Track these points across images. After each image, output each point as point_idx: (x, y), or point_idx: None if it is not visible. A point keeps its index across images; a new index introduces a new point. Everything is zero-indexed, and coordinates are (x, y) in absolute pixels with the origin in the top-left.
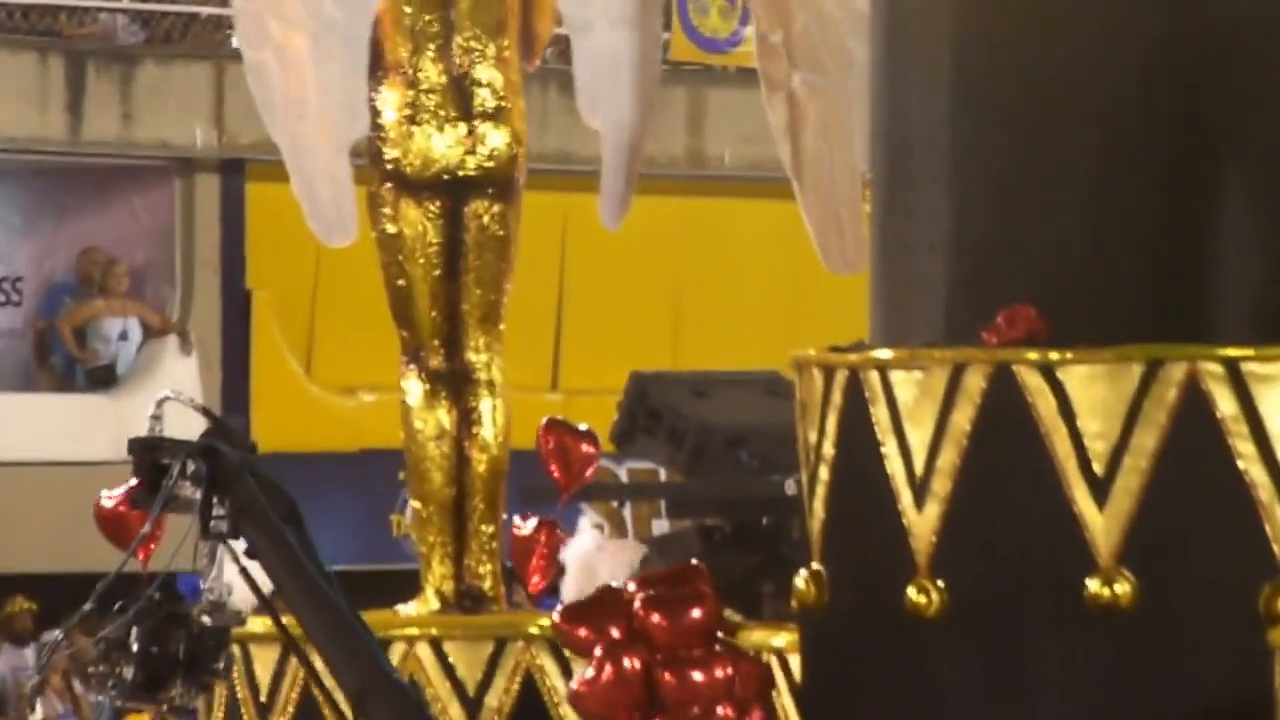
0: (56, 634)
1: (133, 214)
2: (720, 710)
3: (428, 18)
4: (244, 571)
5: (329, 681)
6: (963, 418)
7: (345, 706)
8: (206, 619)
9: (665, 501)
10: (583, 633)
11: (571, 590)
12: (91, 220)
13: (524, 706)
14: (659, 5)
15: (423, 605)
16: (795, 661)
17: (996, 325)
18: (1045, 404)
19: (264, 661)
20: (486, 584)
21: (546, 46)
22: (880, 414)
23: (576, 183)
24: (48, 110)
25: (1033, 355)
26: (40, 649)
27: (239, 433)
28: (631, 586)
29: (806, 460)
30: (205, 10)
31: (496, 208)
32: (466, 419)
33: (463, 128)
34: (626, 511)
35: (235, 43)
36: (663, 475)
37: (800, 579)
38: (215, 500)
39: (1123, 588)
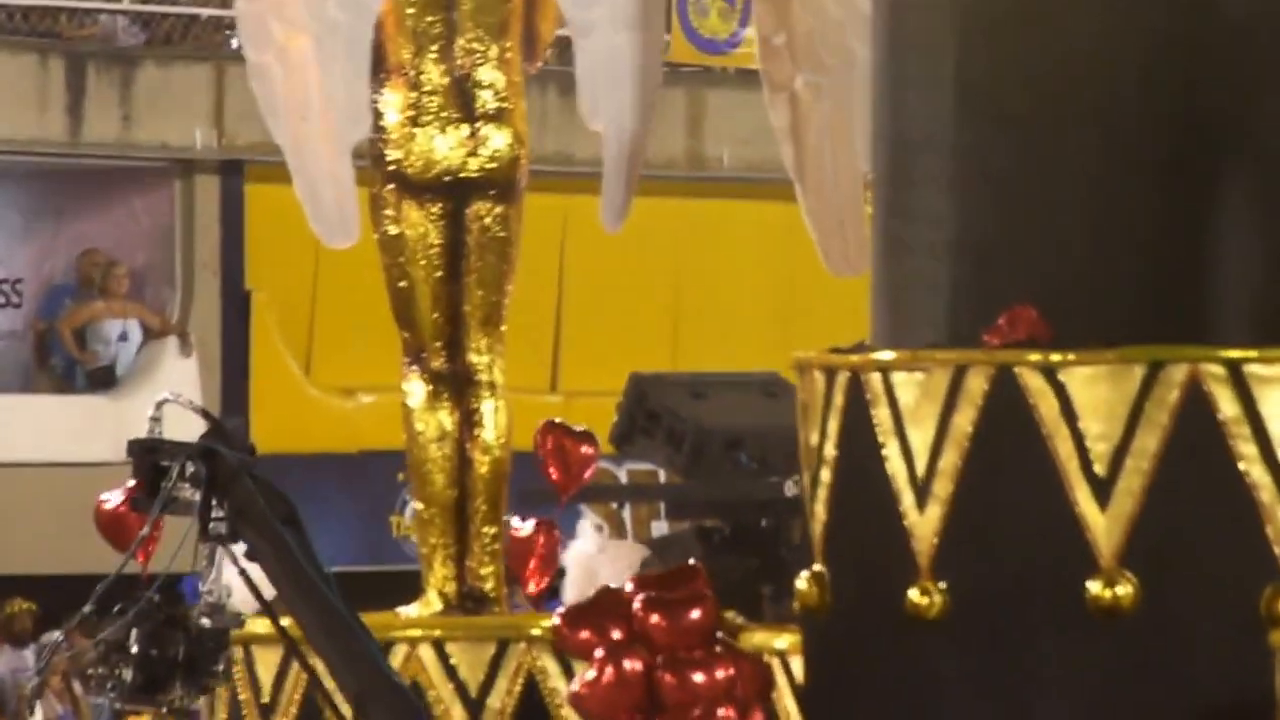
0: (56, 635)
1: (132, 215)
2: (722, 712)
3: (430, 19)
4: (243, 574)
5: (330, 684)
6: (964, 419)
7: (346, 709)
8: (205, 621)
9: (664, 503)
10: (584, 635)
11: (573, 593)
12: (91, 222)
13: (526, 708)
14: (661, 8)
15: (425, 607)
16: (797, 663)
17: (998, 327)
18: (1047, 405)
19: (266, 663)
20: (489, 585)
21: (549, 48)
22: (882, 415)
23: (575, 184)
24: (48, 112)
25: (1034, 357)
26: (40, 650)
27: (238, 435)
28: (629, 587)
29: (808, 462)
30: (205, 12)
31: (498, 209)
32: (468, 421)
33: (465, 129)
34: (626, 513)
35: (235, 44)
36: (662, 477)
37: (802, 580)
38: (214, 502)
39: (1124, 589)
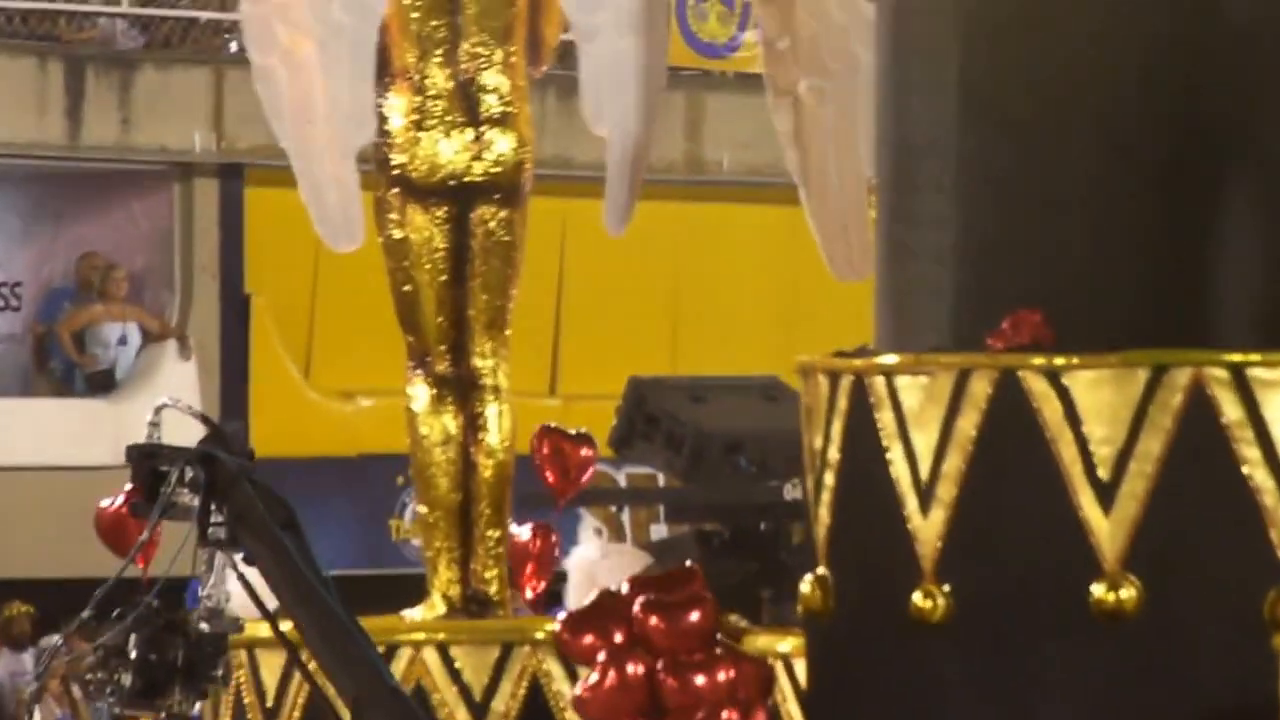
0: (55, 640)
1: (132, 219)
2: (725, 714)
3: (435, 23)
4: (242, 579)
5: (331, 689)
6: (968, 423)
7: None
8: (204, 626)
9: (664, 507)
10: (586, 640)
11: (575, 599)
12: (90, 225)
13: (530, 711)
14: (665, 12)
15: (429, 610)
16: (800, 666)
17: (1002, 330)
18: (1050, 409)
19: (270, 667)
20: (493, 589)
21: (554, 52)
22: (885, 419)
23: (575, 188)
24: (47, 115)
25: (1038, 360)
26: (39, 654)
27: (237, 439)
28: (626, 588)
29: (812, 465)
30: (204, 15)
31: (503, 213)
32: (472, 424)
33: (469, 133)
34: (625, 517)
35: (234, 48)
36: (661, 480)
37: (806, 584)
38: (213, 507)
39: (1128, 593)
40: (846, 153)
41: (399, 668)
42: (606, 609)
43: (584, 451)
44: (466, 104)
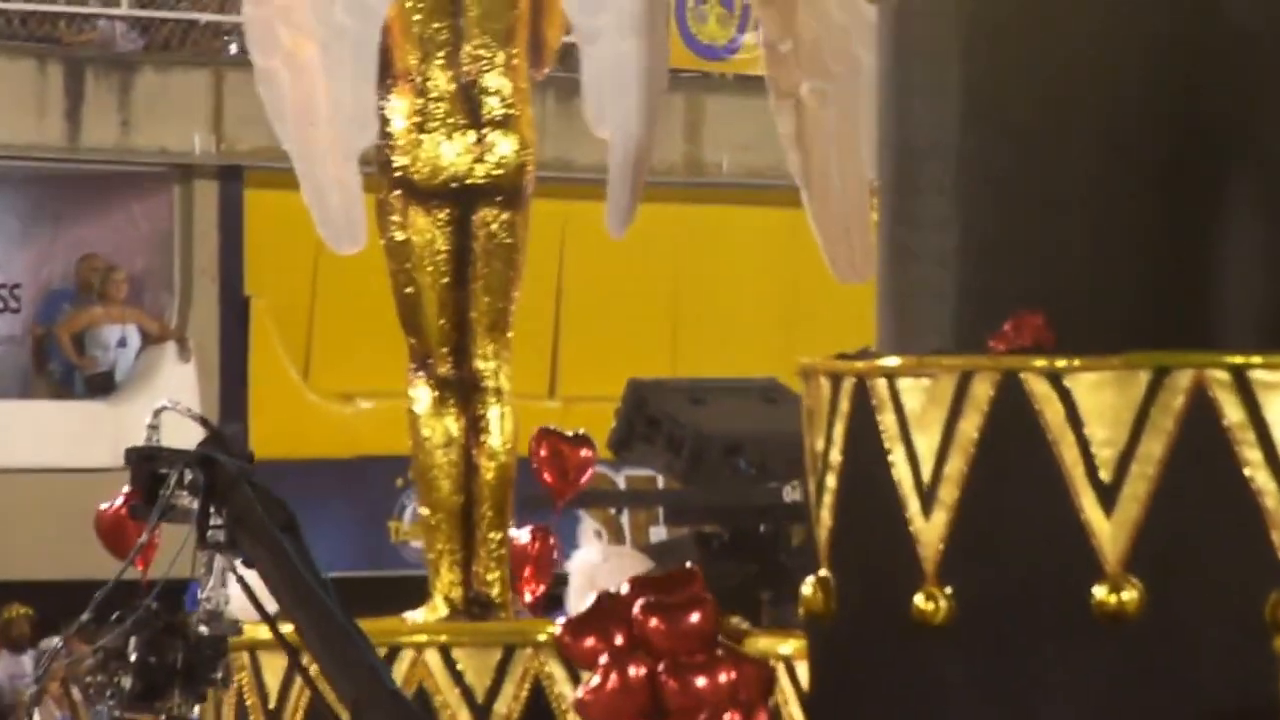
0: (55, 642)
1: (131, 221)
2: (727, 716)
3: (437, 25)
4: (241, 581)
5: (330, 693)
6: (970, 425)
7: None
8: (204, 628)
9: (663, 509)
10: (588, 644)
11: (577, 603)
12: (90, 227)
13: (533, 714)
14: (666, 15)
15: (431, 612)
16: (802, 669)
17: (1004, 333)
18: (1052, 411)
19: (273, 669)
20: (495, 591)
21: (556, 54)
22: (888, 421)
23: (574, 190)
24: (46, 117)
25: (1040, 363)
26: (38, 656)
27: (236, 442)
28: (625, 589)
29: (814, 468)
30: (204, 17)
31: (505, 215)
32: (475, 426)
33: (471, 135)
34: (624, 519)
35: (234, 50)
36: (661, 482)
37: (808, 586)
38: (213, 510)
39: (1130, 595)
40: (848, 155)
41: (401, 670)
42: (606, 611)
43: (583, 453)
44: (469, 106)
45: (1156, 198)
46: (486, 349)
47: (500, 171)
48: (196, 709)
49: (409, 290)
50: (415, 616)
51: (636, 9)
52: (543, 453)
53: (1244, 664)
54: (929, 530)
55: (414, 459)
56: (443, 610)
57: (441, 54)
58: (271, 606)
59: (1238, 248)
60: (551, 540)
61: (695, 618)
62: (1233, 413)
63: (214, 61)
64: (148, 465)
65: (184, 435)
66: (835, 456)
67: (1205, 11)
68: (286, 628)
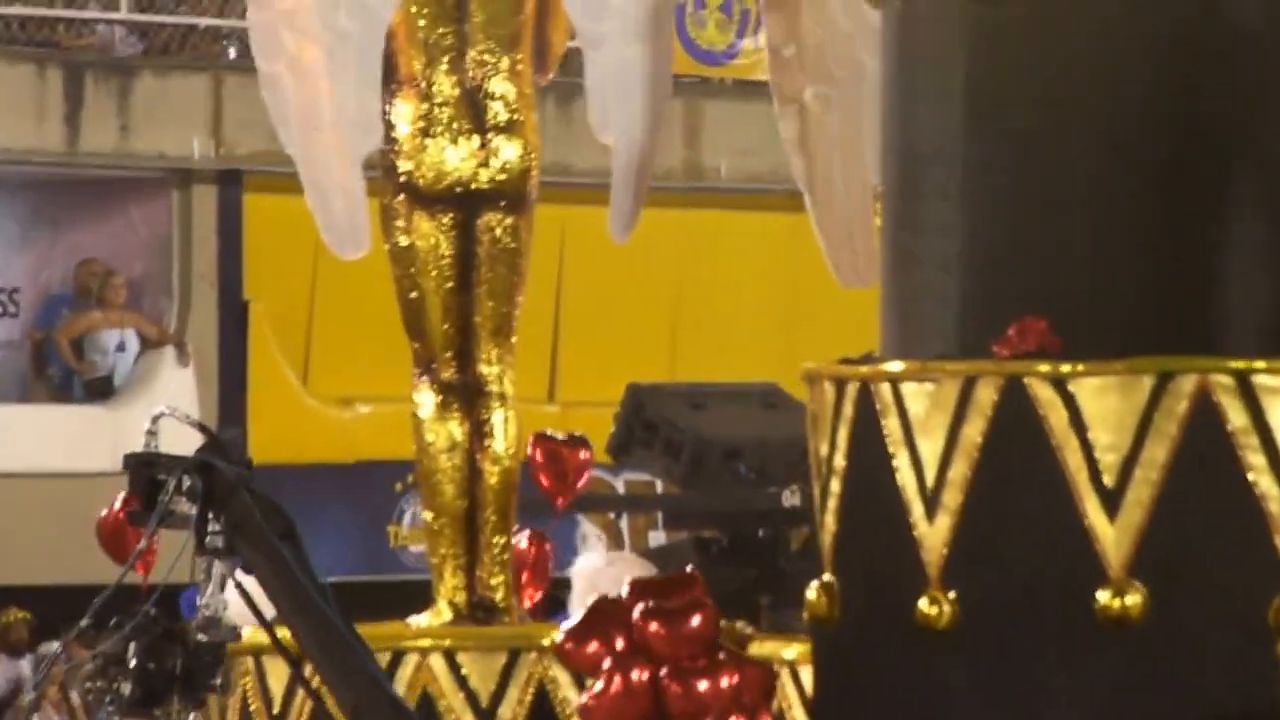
0: (55, 647)
1: (130, 225)
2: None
3: (442, 30)
4: (240, 587)
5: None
6: (974, 430)
7: None
8: (202, 635)
9: (662, 513)
10: (590, 649)
11: (580, 608)
12: (89, 231)
13: (537, 718)
14: (671, 21)
15: (435, 617)
16: (806, 673)
17: (1008, 338)
18: (1056, 416)
19: (277, 674)
20: (499, 595)
21: (560, 60)
22: (891, 426)
23: (574, 195)
24: (45, 121)
25: (1044, 368)
26: (37, 661)
27: (235, 448)
28: (625, 591)
29: (817, 472)
30: (203, 21)
31: (509, 220)
32: (478, 431)
33: (476, 140)
34: (623, 523)
35: (233, 54)
36: (659, 487)
37: (812, 590)
38: (211, 516)
39: (1133, 599)
40: (852, 160)
41: (406, 674)
42: (606, 616)
43: (580, 455)
44: (473, 111)
45: (1157, 198)
46: (490, 354)
47: (505, 176)
48: (194, 715)
49: (413, 295)
50: (419, 621)
51: (640, 15)
52: (539, 456)
53: (1248, 669)
54: (933, 535)
55: (418, 464)
56: (447, 615)
57: (446, 59)
58: (270, 612)
59: (1239, 248)
60: (548, 545)
61: (696, 622)
62: (1236, 417)
63: (213, 66)
64: (146, 471)
65: (183, 440)
66: (839, 461)
67: (1205, 12)
68: (285, 633)
